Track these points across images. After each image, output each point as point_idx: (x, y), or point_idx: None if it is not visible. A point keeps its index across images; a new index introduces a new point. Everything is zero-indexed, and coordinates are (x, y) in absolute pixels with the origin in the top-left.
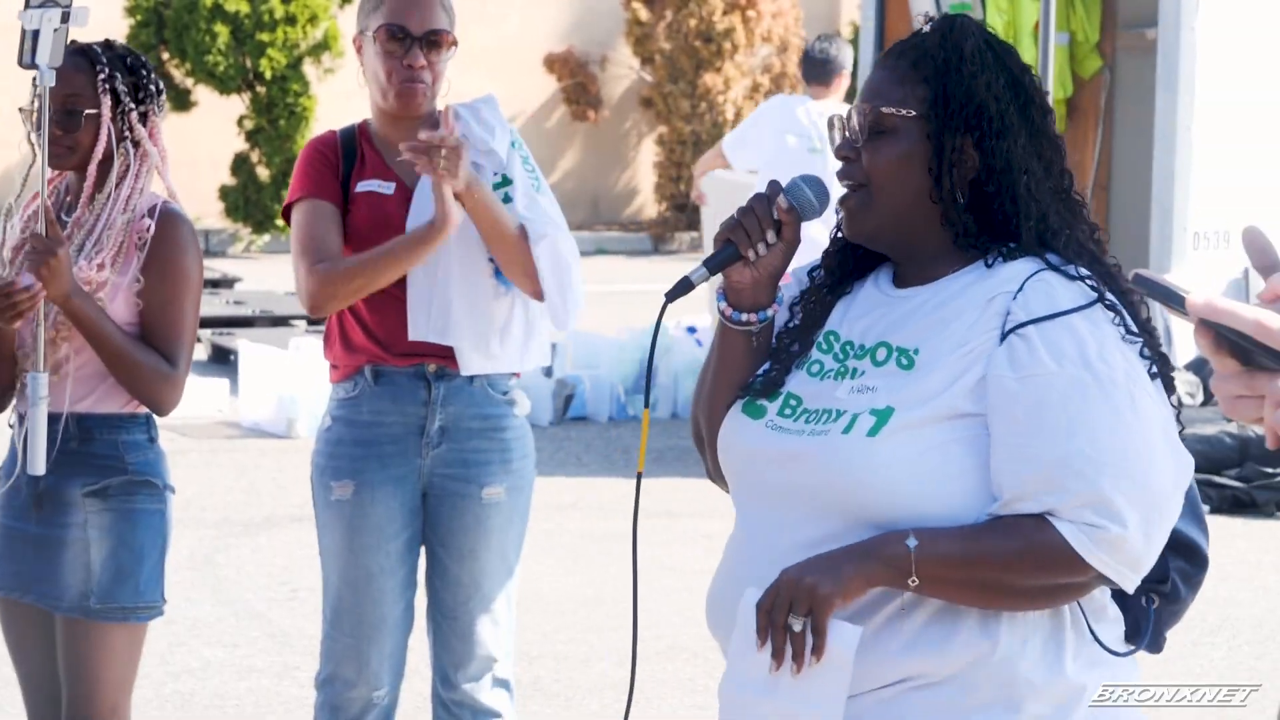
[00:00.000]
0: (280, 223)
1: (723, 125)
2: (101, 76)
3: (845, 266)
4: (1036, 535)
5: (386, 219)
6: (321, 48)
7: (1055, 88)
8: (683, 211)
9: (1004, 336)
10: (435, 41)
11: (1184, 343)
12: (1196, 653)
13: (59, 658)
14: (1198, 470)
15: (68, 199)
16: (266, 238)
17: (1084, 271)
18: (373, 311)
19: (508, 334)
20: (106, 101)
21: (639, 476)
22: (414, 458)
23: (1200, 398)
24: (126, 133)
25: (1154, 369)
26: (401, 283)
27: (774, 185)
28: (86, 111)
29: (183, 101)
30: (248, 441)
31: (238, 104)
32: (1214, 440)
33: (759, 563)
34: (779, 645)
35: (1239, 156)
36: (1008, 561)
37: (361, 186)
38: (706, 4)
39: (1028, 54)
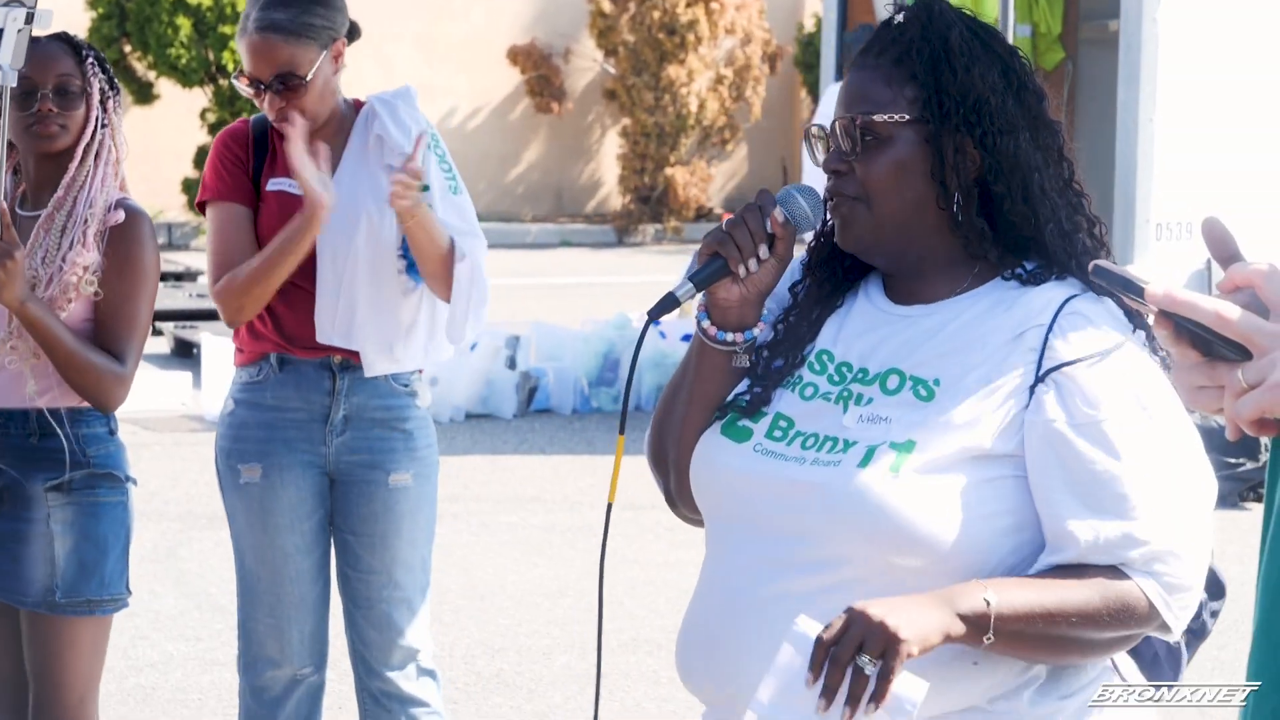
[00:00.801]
0: None
1: (686, 117)
2: (89, 60)
3: (834, 278)
4: (1112, 587)
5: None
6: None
7: None
8: (646, 204)
9: (1041, 375)
10: (288, 83)
11: None
12: None
13: (25, 653)
14: None
15: (20, 190)
16: None
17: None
18: (281, 304)
19: (412, 334)
20: (95, 85)
21: (609, 507)
22: (319, 444)
23: None
24: (106, 119)
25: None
26: (311, 279)
27: (765, 195)
28: (85, 91)
29: (145, 94)
30: (210, 435)
31: (200, 97)
32: None
33: (747, 601)
34: (835, 684)
35: (1202, 147)
36: (1084, 615)
37: (272, 185)
38: None
39: None
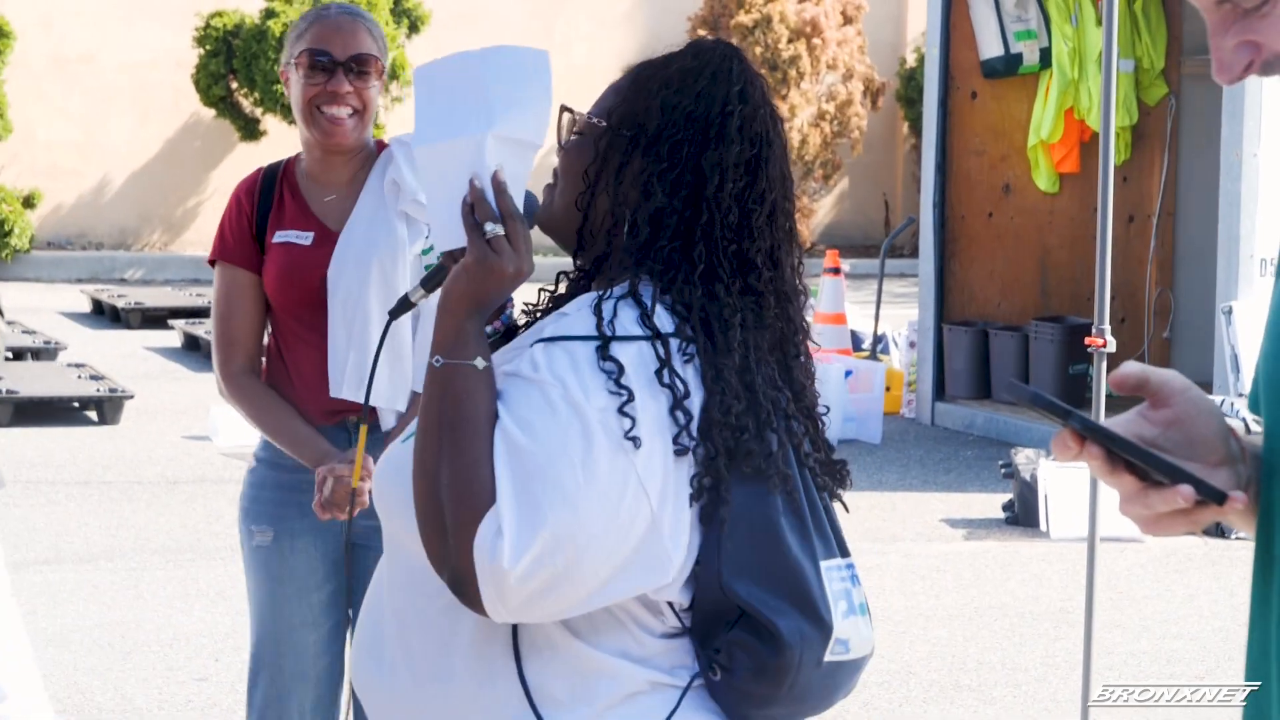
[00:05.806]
0: None
1: (789, 153)
2: None
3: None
4: (485, 473)
5: (300, 269)
6: (388, 76)
7: (1120, 115)
8: None
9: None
10: (362, 69)
11: (1250, 373)
12: None
13: None
14: None
15: None
16: None
17: (629, 311)
18: (293, 369)
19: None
20: None
21: (353, 493)
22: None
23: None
24: None
25: (633, 431)
26: (322, 331)
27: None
28: None
29: (252, 130)
30: None
31: None
32: None
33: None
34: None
35: None
36: (460, 454)
37: (279, 237)
38: (772, 32)
39: (1094, 81)
